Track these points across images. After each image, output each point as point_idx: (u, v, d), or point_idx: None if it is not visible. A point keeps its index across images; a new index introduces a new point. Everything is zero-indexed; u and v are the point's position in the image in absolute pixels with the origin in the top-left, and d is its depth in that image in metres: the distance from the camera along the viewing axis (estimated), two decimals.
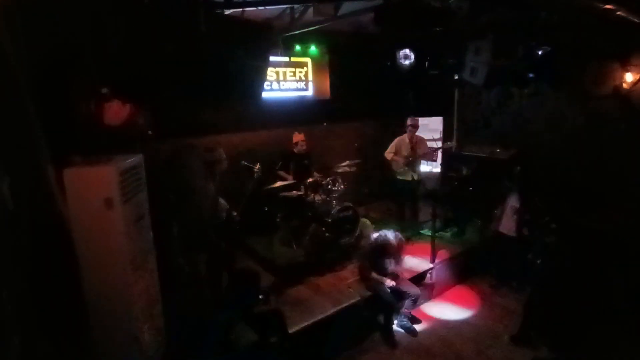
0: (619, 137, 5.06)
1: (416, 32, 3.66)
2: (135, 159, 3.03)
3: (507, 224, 5.11)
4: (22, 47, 2.54)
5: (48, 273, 2.67)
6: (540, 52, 4.34)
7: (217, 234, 4.32)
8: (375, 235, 4.61)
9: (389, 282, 4.37)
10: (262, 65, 4.02)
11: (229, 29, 3.45)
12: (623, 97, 5.00)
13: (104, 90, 3.12)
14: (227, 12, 3.53)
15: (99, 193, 2.69)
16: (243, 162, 4.63)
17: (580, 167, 5.37)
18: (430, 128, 7.43)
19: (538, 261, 4.64)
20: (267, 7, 3.81)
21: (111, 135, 3.16)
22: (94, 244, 2.74)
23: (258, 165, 4.60)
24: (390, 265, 4.48)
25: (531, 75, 5.33)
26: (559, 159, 5.59)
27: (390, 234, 4.51)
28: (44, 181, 2.72)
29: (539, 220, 4.82)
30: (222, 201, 4.33)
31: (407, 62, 4.29)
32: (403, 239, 4.64)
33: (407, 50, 4.39)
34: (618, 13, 3.80)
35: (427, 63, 4.43)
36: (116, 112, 3.17)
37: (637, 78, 4.89)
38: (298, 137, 5.52)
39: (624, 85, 4.98)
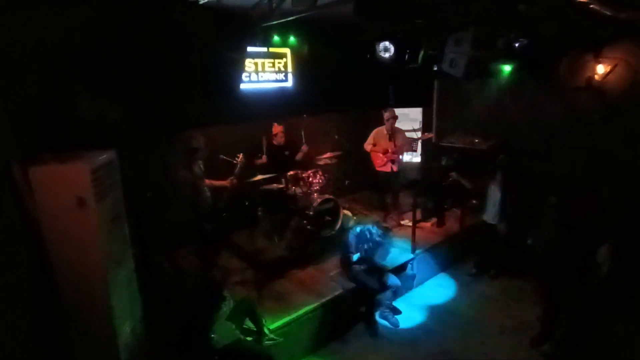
0: (593, 126, 5.19)
1: (396, 24, 3.63)
2: (108, 156, 2.90)
3: (491, 213, 5.20)
4: None
5: (17, 276, 2.56)
6: (518, 44, 4.38)
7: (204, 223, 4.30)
8: (356, 227, 4.63)
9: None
10: (239, 56, 3.91)
11: (205, 19, 3.33)
12: (595, 88, 5.13)
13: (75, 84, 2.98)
14: (202, 1, 3.39)
15: (70, 192, 2.57)
16: (222, 156, 4.54)
17: (558, 156, 5.50)
18: (411, 118, 7.50)
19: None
20: None
21: (83, 130, 3.02)
22: (66, 246, 2.63)
23: (241, 156, 4.57)
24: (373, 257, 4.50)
25: (510, 66, 5.41)
26: (538, 148, 5.70)
27: (371, 226, 4.54)
28: (10, 180, 2.58)
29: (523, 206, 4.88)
30: (207, 191, 4.32)
31: (386, 54, 4.26)
32: (384, 230, 4.67)
33: (386, 43, 4.35)
34: (591, 6, 3.86)
35: (406, 56, 4.40)
36: None
37: (608, 70, 5.01)
38: (277, 128, 5.49)
39: (596, 77, 5.10)
